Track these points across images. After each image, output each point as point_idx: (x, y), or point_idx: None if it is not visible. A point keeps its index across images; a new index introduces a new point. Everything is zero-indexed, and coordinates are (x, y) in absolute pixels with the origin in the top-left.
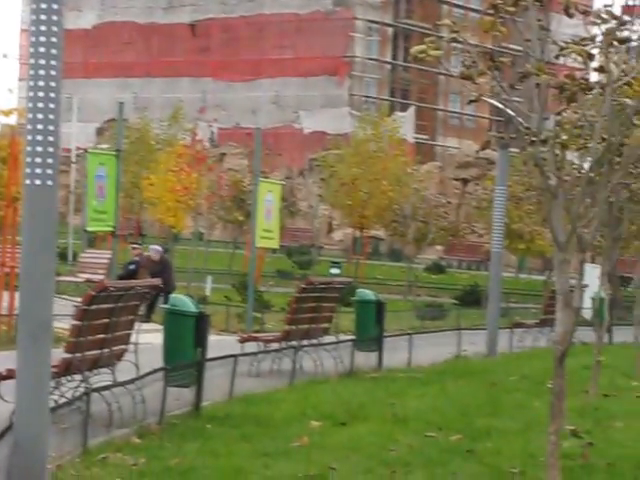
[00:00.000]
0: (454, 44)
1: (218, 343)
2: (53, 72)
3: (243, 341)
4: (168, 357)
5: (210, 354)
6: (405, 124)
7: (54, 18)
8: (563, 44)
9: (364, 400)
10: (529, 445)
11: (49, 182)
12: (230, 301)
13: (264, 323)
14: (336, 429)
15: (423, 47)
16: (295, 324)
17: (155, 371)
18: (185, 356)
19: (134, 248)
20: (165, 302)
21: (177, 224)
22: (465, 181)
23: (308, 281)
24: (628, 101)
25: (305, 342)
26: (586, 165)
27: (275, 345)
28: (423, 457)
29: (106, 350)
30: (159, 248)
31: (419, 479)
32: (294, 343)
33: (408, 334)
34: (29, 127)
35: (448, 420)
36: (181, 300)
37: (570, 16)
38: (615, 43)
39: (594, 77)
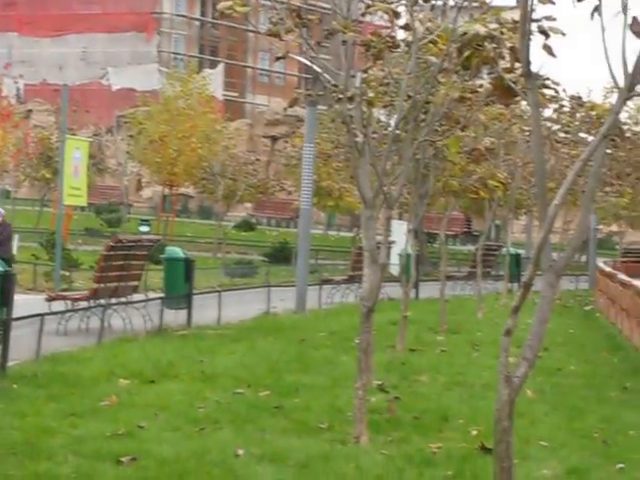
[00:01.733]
0: (262, 1)
1: (25, 302)
2: None
3: (51, 300)
4: None
5: (17, 313)
6: (214, 81)
7: None
8: (369, 2)
9: (173, 358)
10: (337, 400)
11: None
12: (38, 260)
13: (72, 282)
14: (145, 387)
15: (230, 3)
16: (103, 282)
17: None
18: None
19: None
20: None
21: None
22: (274, 138)
23: (116, 239)
24: (433, 59)
25: (114, 300)
26: (393, 122)
27: (83, 304)
28: (231, 414)
29: None
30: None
31: (227, 436)
32: (102, 301)
33: (217, 291)
34: None
35: (257, 377)
36: None
37: None
38: (420, 1)
39: (400, 35)
